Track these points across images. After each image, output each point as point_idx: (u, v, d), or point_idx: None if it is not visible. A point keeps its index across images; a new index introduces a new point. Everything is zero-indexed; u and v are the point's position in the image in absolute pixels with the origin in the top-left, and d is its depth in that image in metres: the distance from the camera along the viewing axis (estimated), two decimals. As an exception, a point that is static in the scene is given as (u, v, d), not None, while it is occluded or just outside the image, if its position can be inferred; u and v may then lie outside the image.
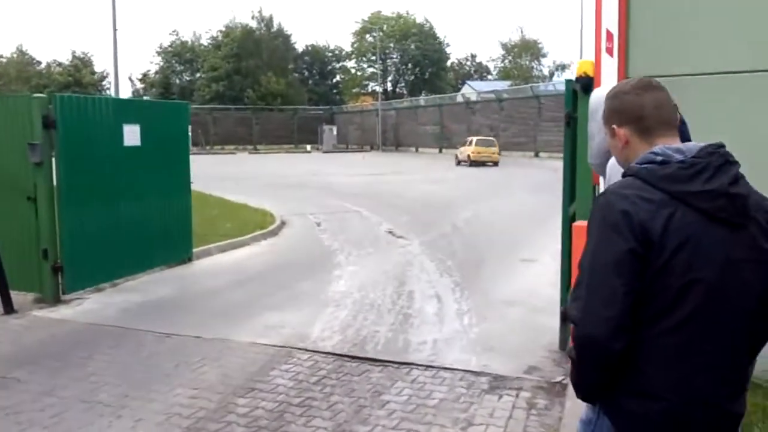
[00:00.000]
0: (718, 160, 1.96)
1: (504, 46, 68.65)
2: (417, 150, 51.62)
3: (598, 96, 3.50)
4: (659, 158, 1.98)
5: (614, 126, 2.14)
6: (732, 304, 1.93)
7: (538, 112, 41.74)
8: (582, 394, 2.09)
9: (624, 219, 1.89)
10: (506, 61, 68.90)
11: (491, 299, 7.79)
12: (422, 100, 59.14)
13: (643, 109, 2.09)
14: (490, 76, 73.96)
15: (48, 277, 7.57)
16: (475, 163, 34.25)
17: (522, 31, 72.39)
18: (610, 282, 1.88)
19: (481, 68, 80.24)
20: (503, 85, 55.82)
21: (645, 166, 1.99)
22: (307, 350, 6.02)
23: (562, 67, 63.48)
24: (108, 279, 8.38)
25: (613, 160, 2.69)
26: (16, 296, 7.34)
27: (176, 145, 9.75)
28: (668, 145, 2.02)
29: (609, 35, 4.88)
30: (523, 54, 65.94)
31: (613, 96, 2.18)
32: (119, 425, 4.49)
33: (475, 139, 37.19)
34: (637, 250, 1.88)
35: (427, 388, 5.19)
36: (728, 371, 1.96)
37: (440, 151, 48.79)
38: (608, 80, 4.87)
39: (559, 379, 5.30)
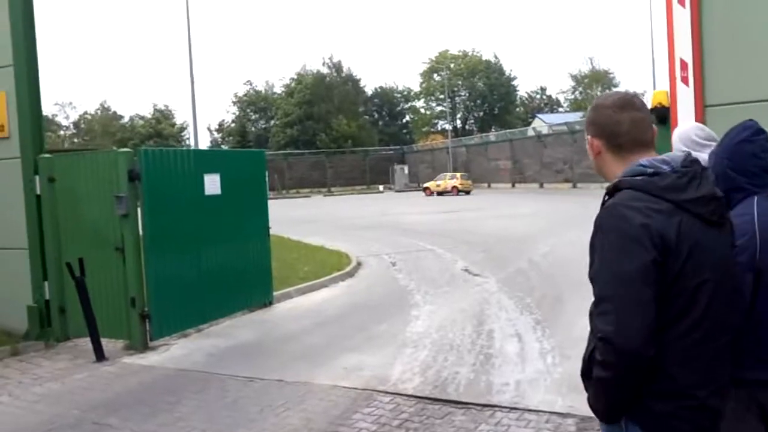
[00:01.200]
0: (699, 167, 2.14)
1: (574, 77, 68.18)
2: (489, 185, 51.35)
3: (677, 132, 3.48)
4: (649, 170, 2.10)
5: (590, 135, 2.29)
6: (730, 298, 2.15)
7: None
8: (611, 412, 2.13)
9: (644, 231, 2.00)
10: (577, 92, 68.22)
11: (574, 336, 7.57)
12: (492, 135, 59.02)
13: (618, 126, 2.21)
14: (560, 109, 73.28)
15: (136, 325, 7.82)
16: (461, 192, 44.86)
17: (592, 62, 71.56)
18: (638, 293, 1.98)
19: (551, 101, 79.65)
20: (575, 116, 55.13)
21: (638, 178, 2.09)
22: (388, 393, 6.00)
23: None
24: (193, 324, 8.60)
25: None
26: (106, 344, 7.61)
27: (255, 192, 10.01)
28: (642, 160, 2.14)
29: (683, 64, 4.79)
30: (593, 85, 65.18)
31: (594, 107, 2.31)
32: (208, 471, 4.57)
33: (458, 174, 47.80)
34: (657, 260, 1.99)
35: (512, 431, 5.09)
36: (729, 361, 2.17)
37: (513, 186, 48.41)
38: (684, 110, 4.76)
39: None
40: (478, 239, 17.57)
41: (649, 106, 5.77)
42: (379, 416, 5.47)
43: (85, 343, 7.62)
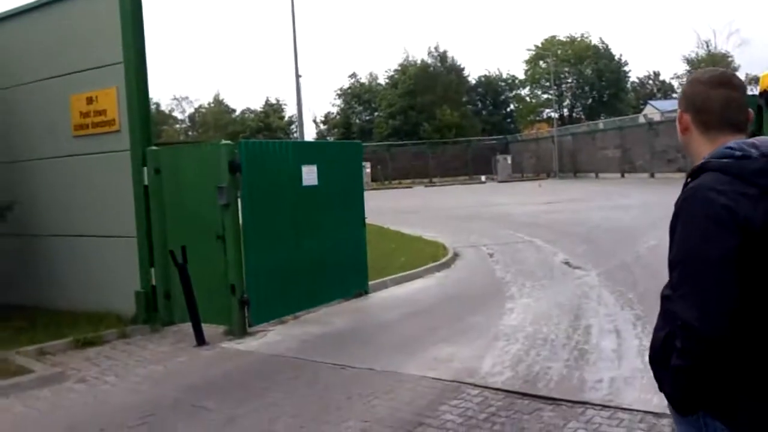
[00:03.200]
0: None
1: (689, 61, 64.84)
2: (597, 176, 49.71)
3: None
4: (737, 153, 2.01)
5: (680, 109, 2.21)
6: None
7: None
8: (689, 403, 2.05)
9: (729, 214, 1.92)
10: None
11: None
12: (601, 123, 57.09)
13: (708, 103, 2.13)
14: (674, 95, 69.94)
15: (235, 311, 8.10)
16: None
17: (708, 45, 67.80)
18: (722, 277, 1.92)
19: (664, 86, 76.13)
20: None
21: (725, 161, 2.01)
22: (476, 385, 5.93)
23: (756, 80, 58.73)
24: (290, 312, 8.82)
25: None
26: (207, 329, 7.93)
27: (351, 183, 10.13)
28: (731, 142, 2.05)
29: (796, 45, 4.44)
30: (710, 69, 61.80)
31: (689, 81, 2.25)
32: (294, 455, 4.67)
33: None
34: (743, 245, 1.91)
35: (603, 429, 4.92)
36: None
37: (622, 176, 46.68)
38: (798, 94, 4.43)
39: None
40: (581, 231, 17.07)
41: (759, 89, 5.43)
42: (465, 409, 5.42)
43: (188, 328, 7.95)
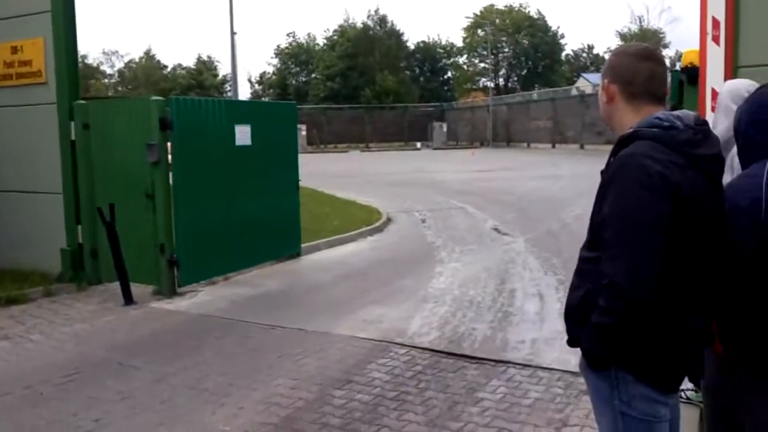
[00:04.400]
0: (707, 129, 2.23)
1: (622, 36, 66.24)
2: (529, 145, 50.69)
3: (728, 87, 3.41)
4: (665, 123, 2.14)
5: (606, 80, 2.32)
6: (714, 256, 2.24)
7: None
8: (606, 359, 2.19)
9: (663, 182, 2.05)
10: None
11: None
12: (535, 94, 57.99)
13: (636, 75, 2.25)
14: (607, 68, 71.24)
15: (164, 271, 8.02)
16: None
17: (641, 21, 69.30)
18: (653, 240, 2.05)
19: (597, 60, 77.57)
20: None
21: (657, 130, 2.14)
22: (404, 345, 6.09)
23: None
24: (221, 273, 8.79)
25: (734, 150, 2.75)
26: (135, 289, 7.83)
27: (285, 144, 10.07)
28: (658, 113, 2.19)
29: (715, 23, 4.64)
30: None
31: (615, 53, 2.38)
32: (222, 412, 4.73)
33: None
34: (673, 210, 2.05)
35: (523, 387, 5.14)
36: (710, 313, 2.29)
37: (553, 146, 47.72)
38: (714, 70, 4.63)
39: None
40: (512, 199, 17.47)
41: (681, 65, 5.65)
42: (393, 367, 5.57)
43: (116, 287, 7.85)
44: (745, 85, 3.29)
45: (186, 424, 4.53)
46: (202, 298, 7.93)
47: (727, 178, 2.63)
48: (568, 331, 2.31)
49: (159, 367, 5.60)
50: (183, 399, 4.97)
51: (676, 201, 2.06)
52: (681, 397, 4.29)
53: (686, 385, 4.00)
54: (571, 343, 2.31)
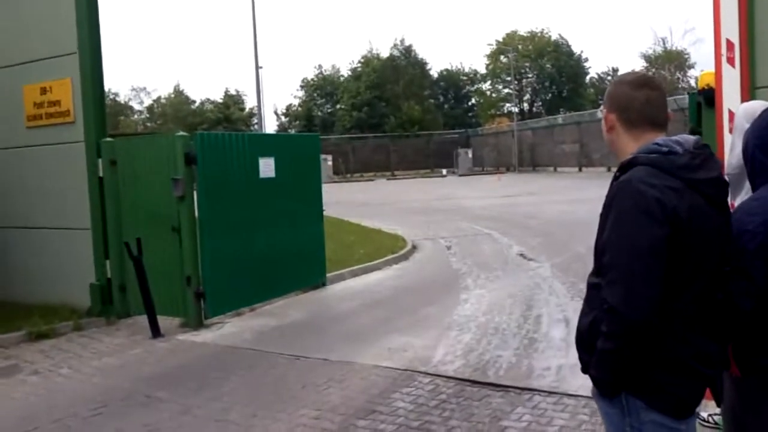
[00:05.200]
0: (708, 152, 2.23)
1: (646, 58, 65.97)
2: (555, 170, 50.47)
3: (744, 108, 3.41)
4: (664, 149, 2.18)
5: (605, 110, 2.36)
6: (719, 279, 2.25)
7: (684, 125, 39.66)
8: (614, 385, 2.19)
9: (659, 206, 2.08)
10: (649, 73, 66.08)
11: (623, 323, 7.48)
12: (560, 118, 57.82)
13: (632, 102, 2.28)
14: (632, 91, 70.80)
15: (191, 303, 8.11)
16: None
17: (664, 42, 69.05)
18: (649, 266, 2.07)
19: (622, 83, 77.22)
20: (646, 98, 53.35)
21: (654, 156, 2.17)
22: (428, 374, 6.07)
23: (710, 77, 59.82)
24: (247, 304, 8.86)
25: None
26: (163, 321, 7.93)
27: (309, 175, 10.18)
28: (658, 139, 2.22)
29: (729, 45, 4.64)
30: (666, 65, 63.01)
31: (613, 82, 2.42)
32: (246, 443, 4.75)
33: None
34: (670, 235, 2.07)
35: (548, 414, 5.09)
36: (720, 336, 2.28)
37: (580, 170, 47.47)
38: (730, 92, 4.62)
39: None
40: (537, 224, 17.37)
41: (698, 87, 5.64)
42: (417, 396, 5.55)
43: (144, 320, 7.95)
44: (759, 106, 3.27)
45: (211, 456, 4.55)
46: (228, 330, 7.99)
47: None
48: (580, 357, 2.33)
49: (185, 399, 5.64)
50: (208, 430, 5.00)
51: (673, 225, 2.08)
52: (708, 422, 4.24)
53: (715, 409, 3.95)
54: (584, 369, 2.32)
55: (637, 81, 2.32)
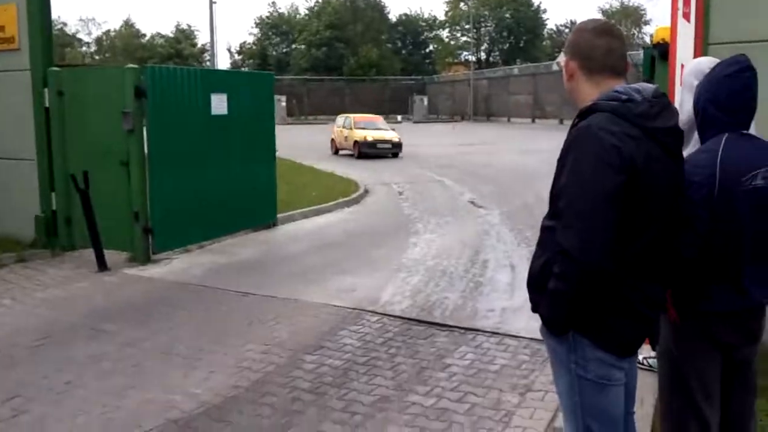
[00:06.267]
0: (666, 101, 2.26)
1: (604, 12, 66.14)
2: (509, 120, 50.77)
3: (693, 65, 3.45)
4: (623, 96, 2.19)
5: (567, 57, 2.36)
6: (670, 227, 2.31)
7: (638, 80, 40.03)
8: (562, 324, 2.26)
9: (616, 153, 2.10)
10: (610, 21, 66.37)
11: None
12: (516, 69, 57.93)
13: (593, 50, 2.29)
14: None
15: (139, 238, 8.02)
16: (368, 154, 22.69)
17: (622, -3, 69.24)
18: (606, 211, 2.10)
19: (579, 35, 77.39)
20: (601, 53, 53.67)
21: (614, 103, 2.18)
22: (376, 313, 6.18)
23: (664, 34, 60.49)
24: (195, 241, 8.80)
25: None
26: (110, 255, 7.83)
27: (262, 114, 10.03)
28: (618, 86, 2.23)
29: (686, 0, 4.70)
30: (623, 21, 63.36)
31: (574, 30, 2.41)
32: (193, 375, 4.79)
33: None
34: (626, 182, 2.10)
35: (491, 353, 5.25)
36: (665, 281, 2.37)
37: (533, 121, 47.85)
38: (684, 46, 4.69)
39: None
40: (489, 173, 17.56)
41: (652, 41, 5.71)
42: (364, 334, 5.66)
43: (90, 253, 7.82)
44: (707, 63, 3.31)
45: (157, 387, 4.58)
46: (176, 266, 7.95)
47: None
48: (531, 298, 2.38)
49: (131, 332, 5.63)
50: (155, 363, 5.02)
51: (629, 172, 2.11)
52: (643, 365, 4.43)
53: (649, 353, 4.13)
54: (534, 309, 2.37)
55: (598, 29, 2.32)
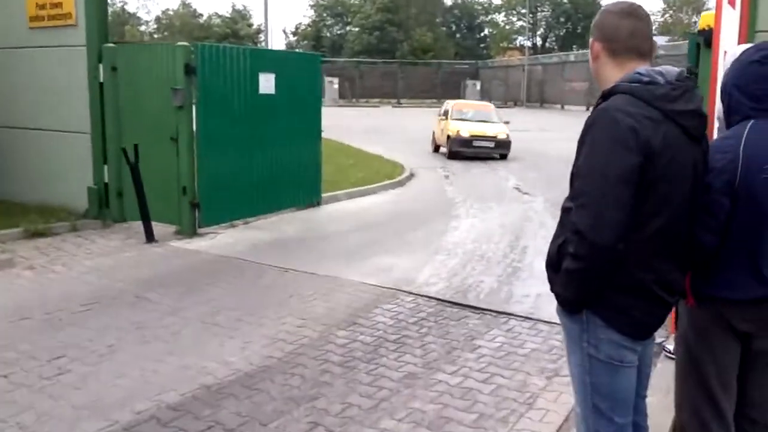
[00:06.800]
0: (690, 84, 2.25)
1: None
2: (563, 107, 49.98)
3: (732, 53, 3.39)
4: (645, 78, 2.19)
5: (591, 38, 2.37)
6: (690, 212, 2.30)
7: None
8: (576, 303, 2.28)
9: (632, 135, 2.11)
10: (666, 15, 64.56)
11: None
12: (572, 55, 56.85)
13: (617, 31, 2.30)
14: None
15: (186, 212, 8.25)
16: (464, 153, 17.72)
17: (685, -17, 67.24)
18: (620, 191, 2.11)
19: (639, 23, 75.47)
20: (661, 40, 52.41)
21: (635, 85, 2.18)
22: (411, 293, 6.26)
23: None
24: (241, 217, 9.01)
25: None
26: (158, 228, 8.09)
27: (309, 94, 10.17)
28: (640, 69, 2.22)
29: (732, -16, 4.60)
30: (684, 8, 61.55)
31: (600, 11, 2.41)
32: (230, 345, 4.95)
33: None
34: (642, 164, 2.11)
35: (521, 337, 5.28)
36: (682, 266, 2.37)
37: (587, 109, 46.89)
38: (728, 33, 4.60)
39: (659, 340, 5.20)
40: (538, 159, 17.42)
41: (698, 28, 5.60)
42: (397, 313, 5.75)
43: (139, 225, 8.09)
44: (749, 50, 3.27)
45: (194, 355, 4.75)
46: (220, 240, 8.16)
47: None
48: (548, 277, 2.41)
49: (173, 302, 5.84)
50: (193, 331, 5.20)
51: (645, 154, 2.11)
52: (673, 355, 4.40)
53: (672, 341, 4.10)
54: (551, 287, 2.41)
55: (623, 10, 2.32)
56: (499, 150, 17.67)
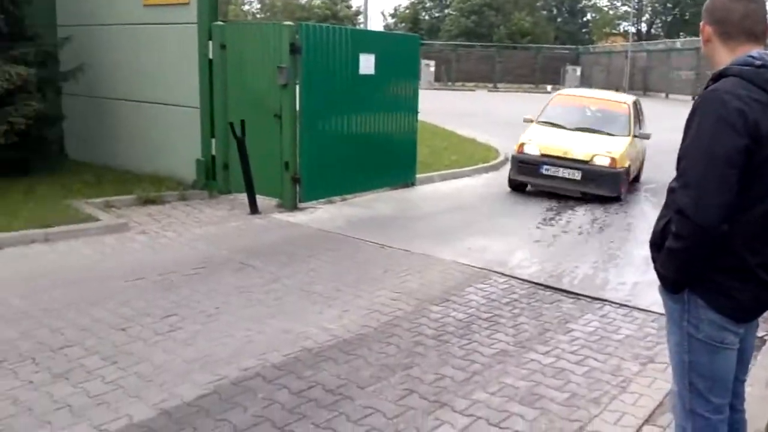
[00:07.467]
0: None
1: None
2: (667, 96, 48.11)
3: None
4: (757, 62, 2.17)
5: (703, 22, 2.35)
6: None
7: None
8: (677, 282, 2.30)
9: (740, 117, 2.10)
10: None
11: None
12: (678, 42, 54.56)
13: (729, 14, 2.27)
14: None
15: (288, 187, 8.55)
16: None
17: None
18: (725, 172, 2.11)
19: (753, 9, 71.53)
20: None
21: (746, 68, 2.17)
22: (504, 275, 6.31)
23: None
24: (339, 193, 9.26)
25: None
26: (261, 200, 8.43)
27: (407, 76, 10.26)
28: (752, 52, 2.19)
29: None
30: (807, -7, 57.74)
31: None
32: (328, 312, 5.16)
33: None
34: (749, 146, 2.10)
35: (616, 323, 5.26)
36: None
37: (693, 99, 44.94)
38: None
39: (761, 334, 5.07)
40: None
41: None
42: (490, 292, 5.82)
43: (243, 197, 8.47)
44: None
45: (294, 320, 4.98)
46: (320, 215, 8.42)
47: None
48: (652, 256, 2.43)
49: (276, 270, 6.11)
50: (294, 298, 5.45)
51: (752, 137, 2.11)
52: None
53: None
54: (654, 266, 2.43)
55: None
56: (584, 186, 9.82)
